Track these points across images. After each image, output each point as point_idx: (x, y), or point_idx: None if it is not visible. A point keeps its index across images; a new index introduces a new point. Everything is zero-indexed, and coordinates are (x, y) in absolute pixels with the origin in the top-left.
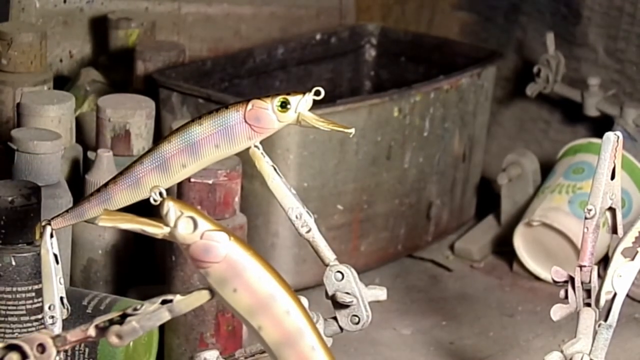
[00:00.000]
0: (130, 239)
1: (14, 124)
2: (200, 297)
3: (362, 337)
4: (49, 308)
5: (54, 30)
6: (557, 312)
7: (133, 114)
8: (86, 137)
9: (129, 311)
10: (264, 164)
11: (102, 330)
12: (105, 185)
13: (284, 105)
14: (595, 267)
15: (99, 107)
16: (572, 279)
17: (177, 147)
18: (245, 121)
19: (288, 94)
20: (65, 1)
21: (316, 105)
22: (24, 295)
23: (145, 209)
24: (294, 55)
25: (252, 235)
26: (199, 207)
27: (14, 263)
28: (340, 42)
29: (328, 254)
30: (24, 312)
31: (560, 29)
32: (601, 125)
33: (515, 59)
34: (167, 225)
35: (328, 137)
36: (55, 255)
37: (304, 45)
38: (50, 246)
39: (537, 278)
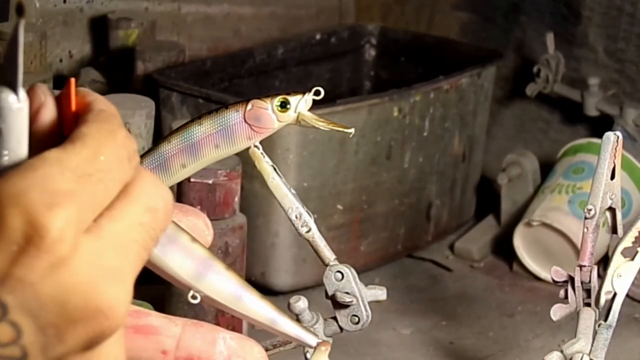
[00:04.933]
0: None
1: None
2: None
3: (362, 337)
4: None
5: (53, 30)
6: (557, 312)
7: (133, 114)
8: None
9: None
10: (263, 164)
11: None
12: None
13: (284, 105)
14: (595, 267)
15: None
16: (572, 279)
17: (177, 147)
18: (245, 121)
19: (288, 93)
20: (65, 1)
21: (316, 105)
22: None
23: None
24: (294, 55)
25: (252, 235)
26: (198, 207)
27: None
28: (340, 42)
29: (328, 254)
30: None
31: (560, 29)
32: (601, 125)
33: (515, 59)
34: None
35: (328, 137)
36: None
37: (303, 45)
38: None
39: (537, 278)
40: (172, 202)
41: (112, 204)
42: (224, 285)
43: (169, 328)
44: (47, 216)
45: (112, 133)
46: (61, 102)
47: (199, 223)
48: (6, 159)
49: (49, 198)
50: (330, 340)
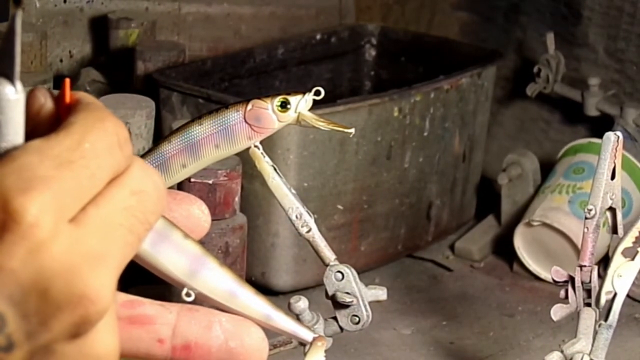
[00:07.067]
0: None
1: None
2: None
3: (362, 337)
4: None
5: (54, 30)
6: (558, 312)
7: (133, 114)
8: None
9: None
10: (264, 164)
11: None
12: None
13: (284, 105)
14: (596, 267)
15: None
16: (572, 279)
17: (177, 147)
18: (245, 121)
19: (288, 93)
20: (65, 1)
21: (316, 105)
22: None
23: None
24: (294, 55)
25: (252, 235)
26: None
27: None
28: (340, 42)
29: (328, 254)
30: None
31: (560, 29)
32: (601, 125)
33: (515, 59)
34: None
35: (328, 137)
36: None
37: (304, 45)
38: None
39: (537, 278)
40: (163, 187)
41: (101, 191)
42: (218, 282)
43: (164, 316)
44: (21, 202)
45: (100, 120)
46: (59, 103)
47: (194, 210)
48: (3, 151)
49: (24, 184)
50: (331, 340)
